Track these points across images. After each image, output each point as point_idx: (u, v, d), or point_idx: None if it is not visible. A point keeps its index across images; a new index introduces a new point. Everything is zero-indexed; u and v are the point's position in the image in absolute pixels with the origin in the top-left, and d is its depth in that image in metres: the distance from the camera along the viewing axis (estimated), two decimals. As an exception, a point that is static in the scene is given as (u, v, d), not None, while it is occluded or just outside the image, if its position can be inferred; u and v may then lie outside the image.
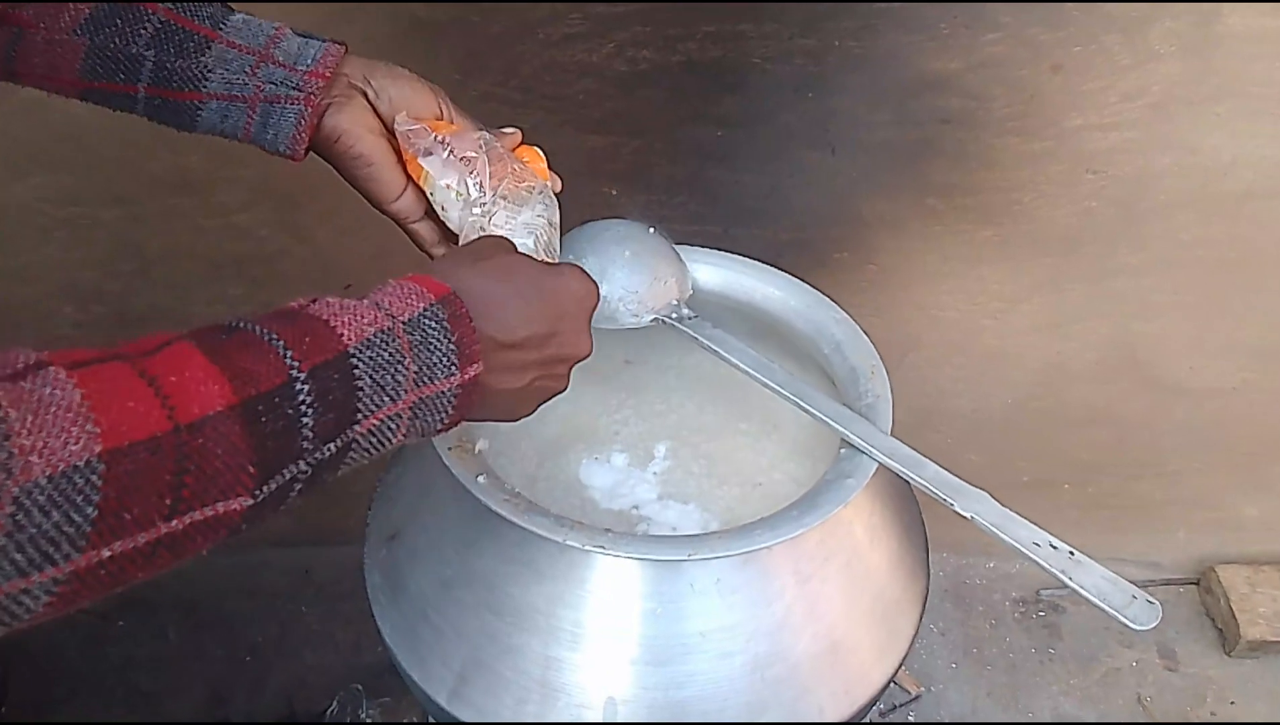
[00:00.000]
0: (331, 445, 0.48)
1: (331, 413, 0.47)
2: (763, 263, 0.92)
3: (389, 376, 0.50)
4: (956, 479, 0.73)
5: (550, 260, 0.72)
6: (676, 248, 0.88)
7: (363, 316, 0.51)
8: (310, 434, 0.47)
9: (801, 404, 0.78)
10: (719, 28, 1.04)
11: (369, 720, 1.33)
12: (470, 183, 0.70)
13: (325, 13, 1.00)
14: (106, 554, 0.39)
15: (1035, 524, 0.71)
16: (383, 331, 0.51)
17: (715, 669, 0.71)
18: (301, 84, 0.66)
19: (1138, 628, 0.66)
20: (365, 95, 0.70)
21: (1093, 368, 1.40)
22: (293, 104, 0.67)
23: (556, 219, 0.74)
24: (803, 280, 0.91)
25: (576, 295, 0.62)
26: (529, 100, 1.10)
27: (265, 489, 0.45)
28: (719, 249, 0.93)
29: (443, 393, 0.53)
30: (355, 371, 0.49)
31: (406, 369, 0.51)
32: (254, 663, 1.51)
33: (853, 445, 0.75)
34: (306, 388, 0.46)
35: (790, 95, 1.10)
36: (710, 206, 1.20)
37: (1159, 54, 1.06)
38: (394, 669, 0.79)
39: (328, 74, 0.67)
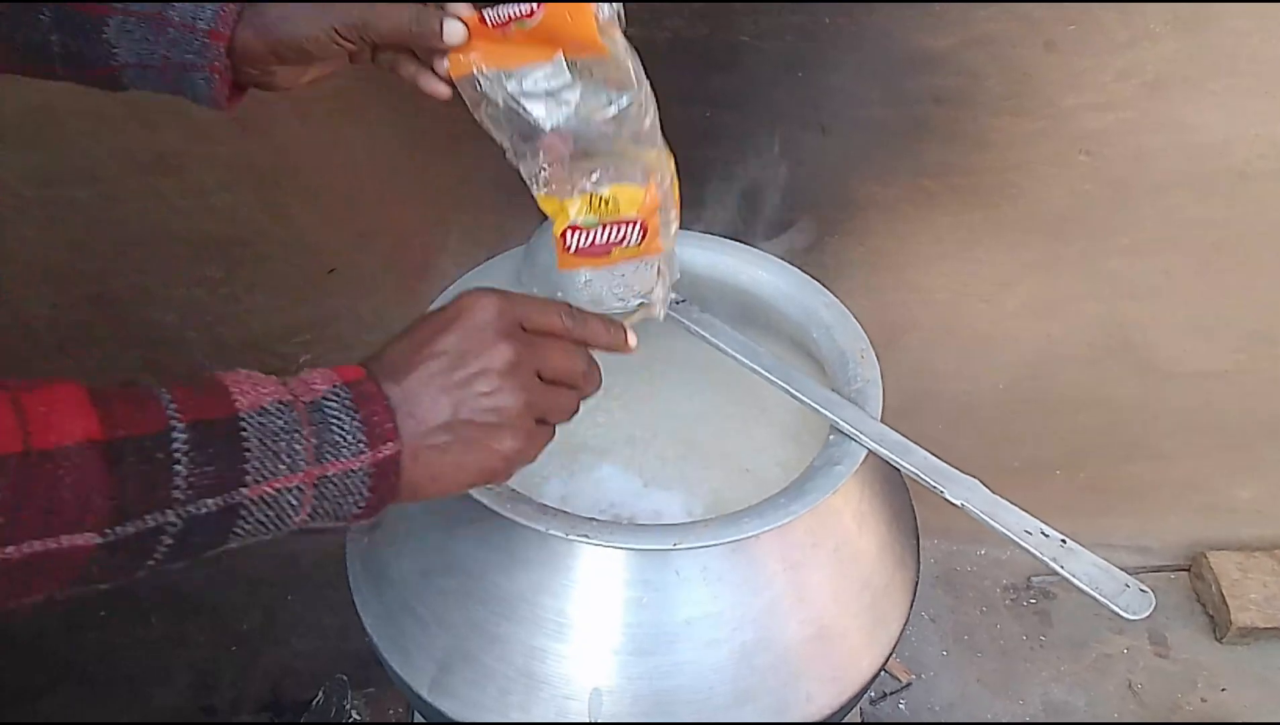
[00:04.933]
0: (211, 502, 0.48)
1: (211, 466, 0.47)
2: (750, 246, 0.91)
3: (282, 446, 0.50)
4: (946, 465, 0.72)
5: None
6: (663, 229, 0.87)
7: (264, 388, 0.51)
8: (183, 484, 0.46)
9: (789, 389, 0.77)
10: (707, 4, 1.02)
11: (353, 711, 1.32)
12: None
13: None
14: None
15: (1026, 510, 0.70)
16: (280, 402, 0.50)
17: (702, 658, 0.70)
18: (202, 49, 0.65)
19: (1130, 617, 0.66)
20: (276, 58, 0.67)
21: (1085, 351, 1.39)
22: (199, 71, 0.66)
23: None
24: (791, 263, 0.89)
25: (466, 306, 0.57)
26: (513, 79, 1.08)
27: (119, 531, 0.45)
28: (707, 232, 0.92)
29: (352, 472, 0.52)
30: (243, 433, 0.49)
31: (305, 441, 0.50)
32: (239, 650, 1.50)
33: (841, 431, 0.74)
34: (184, 437, 0.46)
35: (780, 73, 1.08)
36: (698, 188, 1.18)
37: (1154, 32, 1.05)
38: (379, 659, 0.78)
39: (226, 32, 0.65)
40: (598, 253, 0.72)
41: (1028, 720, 1.49)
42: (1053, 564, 0.67)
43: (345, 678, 1.35)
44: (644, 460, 0.93)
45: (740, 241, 0.91)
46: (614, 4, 0.64)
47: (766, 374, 0.78)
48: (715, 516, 0.68)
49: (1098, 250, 1.27)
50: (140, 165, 1.18)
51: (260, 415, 0.49)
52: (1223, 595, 1.57)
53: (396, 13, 0.67)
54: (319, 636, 1.50)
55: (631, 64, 0.67)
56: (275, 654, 1.49)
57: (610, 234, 0.71)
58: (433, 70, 0.70)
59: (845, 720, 0.78)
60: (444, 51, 0.68)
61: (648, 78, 0.68)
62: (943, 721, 1.48)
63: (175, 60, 0.65)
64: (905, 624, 0.80)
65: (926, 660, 1.55)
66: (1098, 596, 0.66)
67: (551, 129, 0.68)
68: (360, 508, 0.54)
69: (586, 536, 0.65)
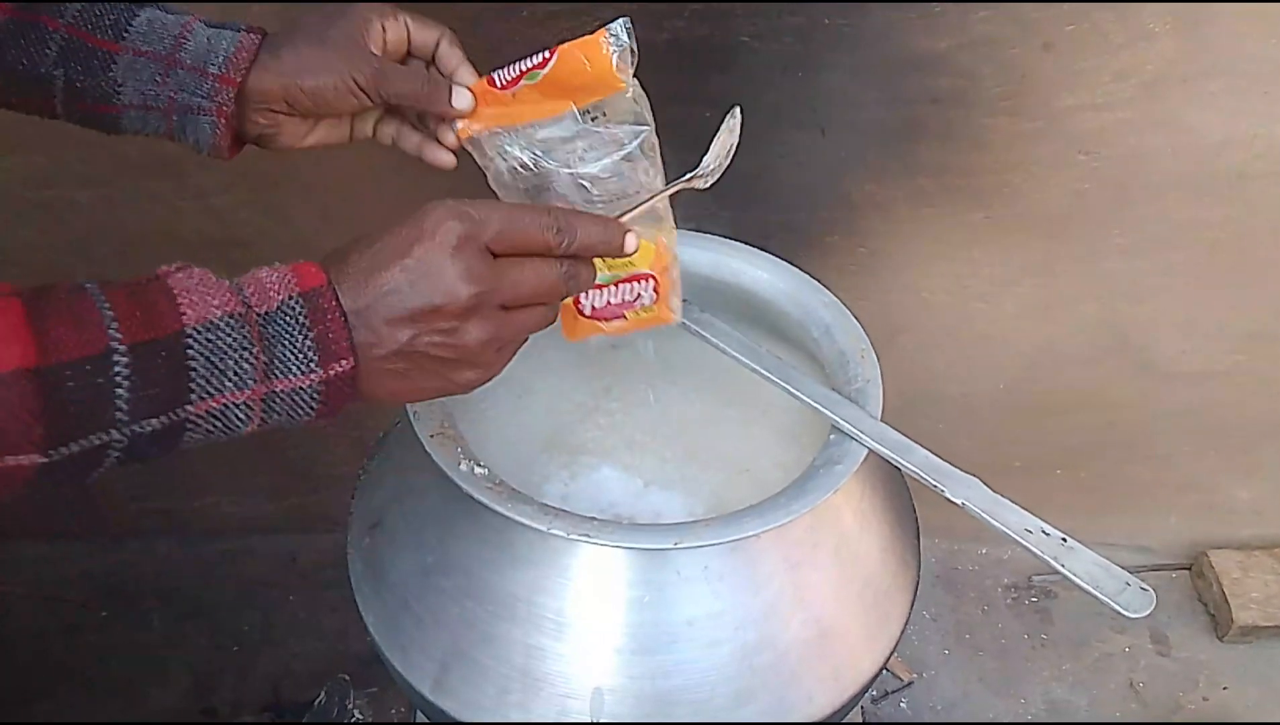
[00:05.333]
0: (155, 421, 0.48)
1: (154, 388, 0.47)
2: (751, 245, 0.91)
3: (230, 363, 0.49)
4: (947, 464, 0.72)
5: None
6: (663, 230, 0.87)
7: (214, 298, 0.49)
8: (125, 407, 0.47)
9: (790, 389, 0.77)
10: (706, 5, 1.03)
11: (355, 711, 1.32)
12: None
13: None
14: None
15: (1026, 509, 0.70)
16: (231, 316, 0.49)
17: (703, 657, 0.70)
18: (212, 92, 0.65)
19: (1131, 615, 0.66)
20: (287, 105, 0.66)
21: (1084, 351, 1.40)
22: (205, 115, 0.65)
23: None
24: (791, 263, 0.89)
25: (428, 230, 0.54)
26: (513, 80, 1.08)
27: (61, 451, 0.46)
28: (706, 232, 0.92)
29: (300, 388, 0.52)
30: (188, 351, 0.48)
31: (254, 358, 0.50)
32: (239, 651, 1.50)
33: (842, 430, 0.74)
34: (125, 361, 0.46)
35: (779, 74, 1.08)
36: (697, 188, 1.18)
37: (1152, 32, 1.05)
38: (380, 659, 0.78)
39: (238, 79, 0.65)
40: (611, 316, 0.71)
41: (1029, 719, 1.49)
42: (1053, 562, 0.67)
43: (347, 677, 1.35)
44: (644, 461, 0.93)
45: (739, 241, 0.91)
46: (624, 38, 0.64)
47: (767, 374, 0.78)
48: (716, 516, 0.68)
49: (1096, 250, 1.27)
50: (140, 168, 1.18)
51: (208, 331, 0.48)
52: (1224, 594, 1.57)
53: (410, 74, 0.68)
54: (318, 638, 1.50)
55: (642, 98, 0.67)
56: (275, 655, 1.49)
57: (624, 294, 0.70)
58: (437, 140, 0.71)
59: (846, 719, 0.78)
60: (452, 118, 0.69)
61: (651, 113, 0.68)
62: (944, 721, 1.48)
63: (181, 102, 0.65)
64: (906, 623, 0.80)
65: (928, 659, 1.55)
66: (1098, 595, 0.66)
67: (567, 176, 0.68)
68: (311, 416, 0.53)
69: (587, 536, 0.65)
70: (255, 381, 0.50)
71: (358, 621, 0.79)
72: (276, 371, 0.50)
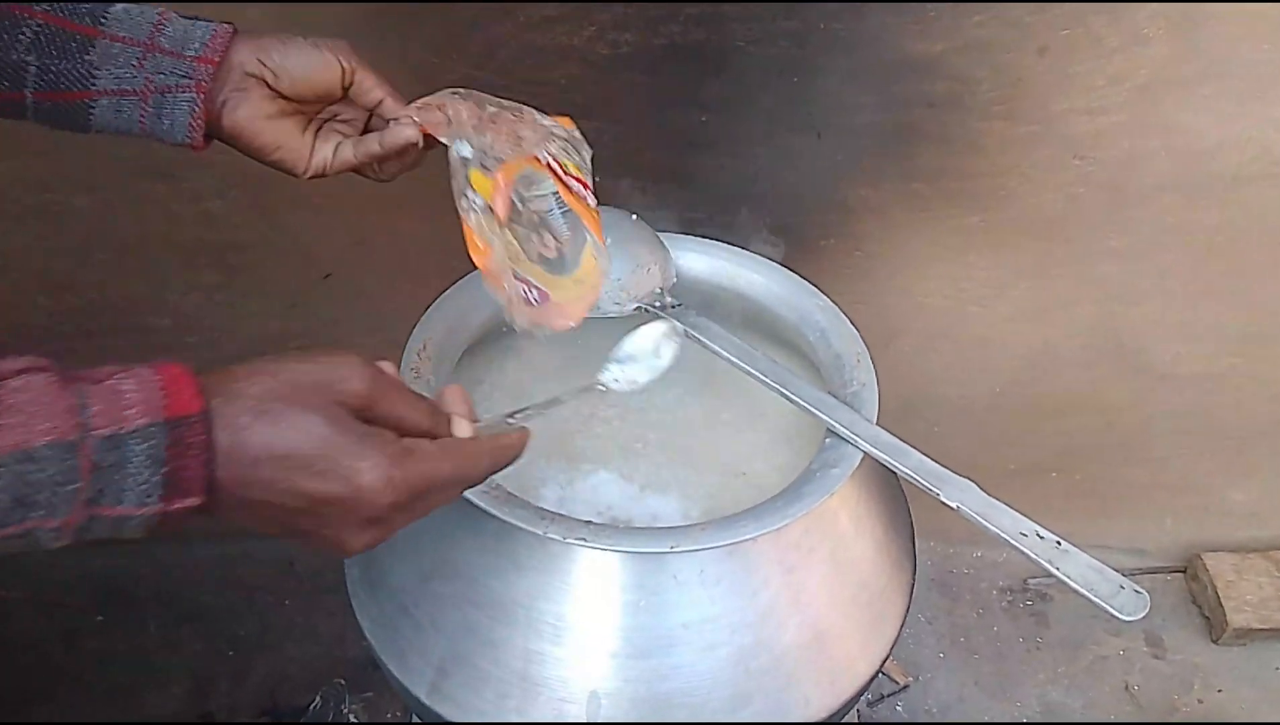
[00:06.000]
0: None
1: None
2: (747, 250, 0.91)
3: (42, 497, 0.43)
4: (942, 468, 0.73)
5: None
6: (659, 235, 0.87)
7: (43, 419, 0.43)
8: None
9: (785, 392, 0.77)
10: (701, 10, 1.03)
11: (351, 715, 1.32)
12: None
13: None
14: None
15: (1021, 512, 0.70)
16: (56, 445, 0.43)
17: (699, 661, 0.70)
18: (191, 71, 0.65)
19: (1125, 618, 0.66)
20: (264, 80, 0.67)
21: (1079, 354, 1.40)
22: (184, 92, 0.65)
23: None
24: (787, 267, 0.90)
25: (356, 491, 0.49)
26: (508, 84, 1.08)
27: None
28: (702, 236, 0.92)
29: (131, 517, 0.45)
30: None
31: (76, 491, 0.44)
32: (236, 656, 1.50)
33: (837, 434, 0.74)
34: None
35: (774, 78, 1.09)
36: (693, 192, 1.19)
37: (1146, 36, 1.05)
38: (377, 663, 0.78)
39: (216, 58, 0.65)
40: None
41: (1024, 722, 1.49)
42: (1048, 565, 0.67)
43: (343, 682, 1.35)
44: (640, 465, 0.93)
45: (735, 245, 0.91)
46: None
47: (762, 377, 0.78)
48: (712, 520, 0.68)
49: (1090, 254, 1.27)
50: (137, 172, 1.18)
51: (20, 462, 0.42)
52: (1218, 597, 1.57)
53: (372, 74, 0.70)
54: (315, 642, 1.50)
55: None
56: (271, 660, 1.49)
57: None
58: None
59: (842, 722, 0.78)
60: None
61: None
62: (940, 723, 1.48)
63: (158, 84, 0.65)
64: (902, 626, 0.80)
65: (923, 662, 1.55)
66: (1093, 598, 0.66)
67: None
68: (139, 536, 0.47)
69: (584, 539, 0.65)
70: (70, 512, 0.44)
71: (354, 626, 0.79)
72: (105, 500, 0.45)
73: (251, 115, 0.67)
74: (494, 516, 0.66)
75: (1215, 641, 1.58)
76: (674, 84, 1.10)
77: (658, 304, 0.82)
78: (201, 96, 0.65)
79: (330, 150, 0.71)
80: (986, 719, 1.49)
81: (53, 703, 1.42)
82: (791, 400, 0.77)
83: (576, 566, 0.70)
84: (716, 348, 0.79)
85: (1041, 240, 1.26)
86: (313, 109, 0.71)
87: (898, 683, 1.51)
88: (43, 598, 1.53)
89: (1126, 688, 1.53)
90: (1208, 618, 1.61)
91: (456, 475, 0.54)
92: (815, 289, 0.88)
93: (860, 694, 0.77)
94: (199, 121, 0.66)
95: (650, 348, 0.71)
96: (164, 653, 1.49)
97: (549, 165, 0.70)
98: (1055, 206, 1.21)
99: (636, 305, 0.82)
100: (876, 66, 1.08)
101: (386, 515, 0.51)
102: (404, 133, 0.70)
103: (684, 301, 0.83)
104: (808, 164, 1.17)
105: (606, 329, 0.85)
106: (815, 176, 1.19)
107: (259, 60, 0.67)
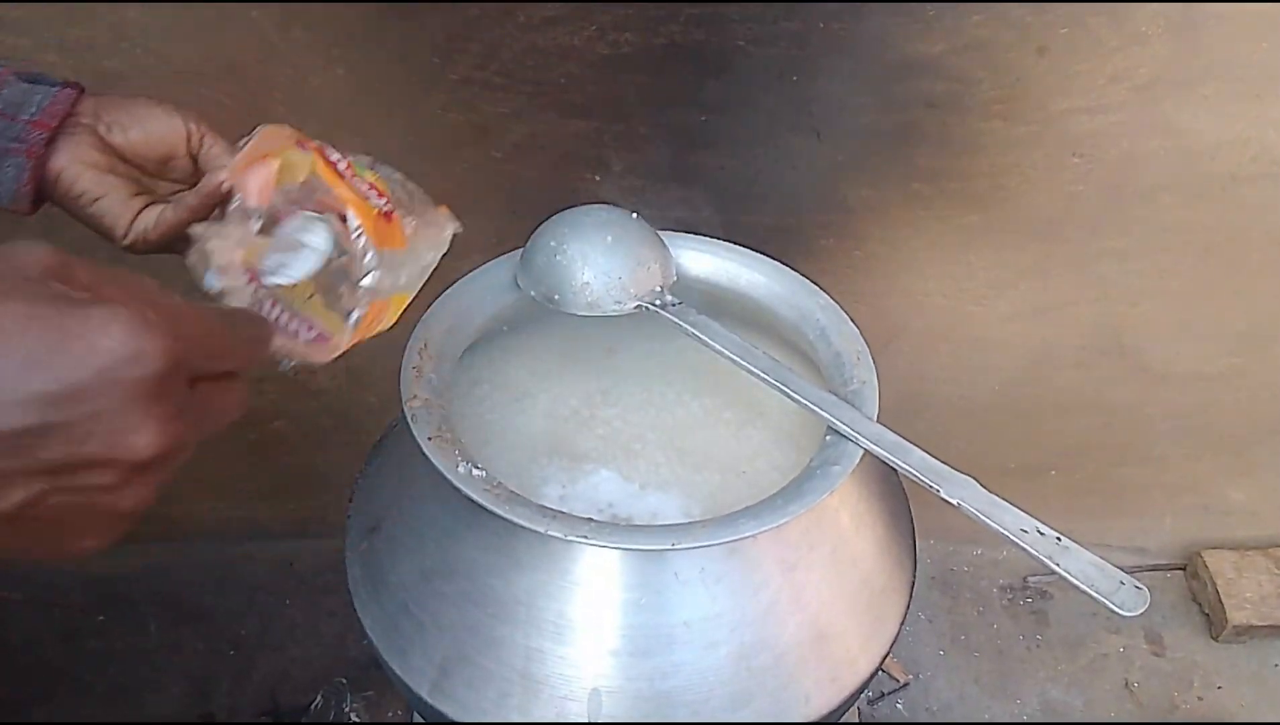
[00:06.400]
0: None
1: None
2: (747, 248, 0.91)
3: None
4: (942, 465, 0.73)
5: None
6: (659, 233, 0.87)
7: None
8: None
9: (786, 390, 0.77)
10: (702, 10, 1.03)
11: (352, 715, 1.33)
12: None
13: (300, -5, 0.98)
14: None
15: (1022, 510, 0.70)
16: None
17: (700, 659, 0.70)
18: (22, 134, 0.62)
19: (1125, 614, 0.66)
20: (95, 130, 0.65)
21: (1079, 353, 1.40)
22: (13, 155, 0.63)
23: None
24: (788, 266, 0.90)
25: (110, 356, 0.37)
26: (509, 84, 1.08)
27: None
28: (703, 234, 0.92)
29: None
30: None
31: None
32: (237, 656, 1.50)
33: (838, 432, 0.74)
34: None
35: (774, 79, 1.09)
36: (694, 192, 1.19)
37: (1145, 35, 1.05)
38: (378, 663, 0.78)
39: (52, 123, 0.63)
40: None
41: (1025, 720, 1.50)
42: (1049, 562, 0.67)
43: (345, 681, 1.35)
44: (641, 463, 0.93)
45: (735, 244, 0.92)
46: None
47: (763, 375, 0.78)
48: (713, 517, 0.68)
49: (1090, 253, 1.28)
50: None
51: None
52: (1218, 594, 1.58)
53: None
54: (316, 643, 1.50)
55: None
56: (273, 660, 1.49)
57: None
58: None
59: (843, 720, 0.79)
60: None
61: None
62: (940, 721, 1.48)
63: None
64: (902, 624, 0.80)
65: (923, 660, 1.55)
66: (1093, 594, 0.66)
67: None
68: None
69: (585, 537, 0.65)
70: None
71: (355, 626, 0.79)
72: None
73: (73, 160, 0.64)
74: (495, 514, 0.66)
75: (1215, 639, 1.59)
76: (674, 84, 1.10)
77: (657, 302, 0.82)
78: (31, 161, 0.63)
79: (154, 217, 0.65)
80: (987, 717, 1.49)
81: (53, 703, 1.42)
82: (792, 398, 0.77)
83: (578, 564, 0.70)
84: (717, 346, 0.79)
85: (1041, 240, 1.26)
86: (149, 175, 0.68)
87: (898, 681, 1.52)
88: (43, 598, 1.53)
89: (1126, 685, 1.54)
90: (1208, 615, 1.61)
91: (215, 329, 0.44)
92: (816, 287, 0.88)
93: (860, 692, 0.77)
94: (26, 187, 0.63)
95: (296, 243, 0.62)
96: (164, 653, 1.49)
97: (320, 152, 0.65)
98: (1055, 206, 1.21)
99: (636, 303, 0.82)
100: (877, 67, 1.08)
101: (168, 439, 0.39)
102: (216, 177, 0.63)
103: (684, 300, 0.83)
104: (808, 164, 1.17)
105: (607, 327, 0.85)
106: (815, 176, 1.19)
107: (94, 111, 0.65)
